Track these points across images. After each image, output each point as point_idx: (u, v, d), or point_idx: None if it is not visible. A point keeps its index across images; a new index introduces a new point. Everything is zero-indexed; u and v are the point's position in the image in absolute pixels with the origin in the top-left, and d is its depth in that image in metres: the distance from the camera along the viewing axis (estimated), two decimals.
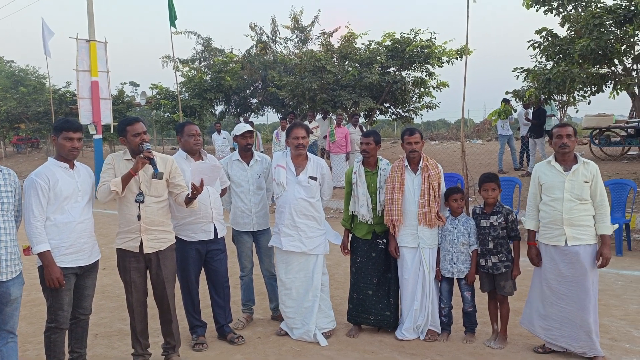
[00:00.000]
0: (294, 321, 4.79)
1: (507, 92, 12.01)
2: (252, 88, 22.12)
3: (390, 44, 16.23)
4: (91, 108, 14.91)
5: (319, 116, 16.16)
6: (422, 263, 4.64)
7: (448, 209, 4.73)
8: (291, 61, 19.00)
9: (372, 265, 4.83)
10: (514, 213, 4.54)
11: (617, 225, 7.11)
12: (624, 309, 5.26)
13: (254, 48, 23.05)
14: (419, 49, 15.55)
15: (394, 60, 16.09)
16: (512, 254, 4.49)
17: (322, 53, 17.19)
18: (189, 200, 4.09)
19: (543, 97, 10.66)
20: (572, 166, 4.11)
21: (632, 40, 9.02)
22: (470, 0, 7.97)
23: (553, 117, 13.33)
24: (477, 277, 4.59)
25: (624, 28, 8.89)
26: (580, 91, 10.42)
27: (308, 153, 4.89)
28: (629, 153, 14.25)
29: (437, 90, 17.01)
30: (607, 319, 4.93)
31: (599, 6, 9.41)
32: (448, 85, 16.74)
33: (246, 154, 5.07)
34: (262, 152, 5.28)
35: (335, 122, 14.22)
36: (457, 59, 15.62)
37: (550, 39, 10.19)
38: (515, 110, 13.35)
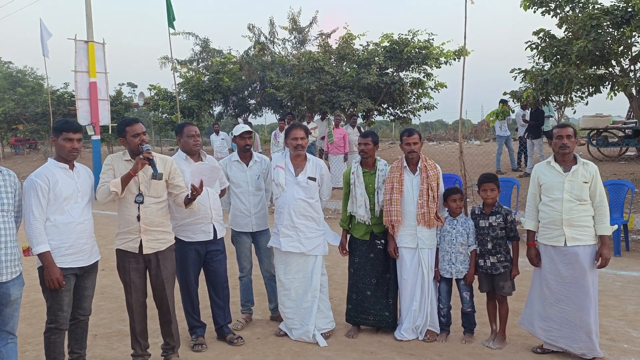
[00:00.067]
0: (293, 322, 4.79)
1: (504, 93, 12.02)
2: (250, 89, 22.14)
3: (388, 45, 16.25)
4: (89, 109, 14.89)
5: (317, 117, 16.18)
6: (421, 263, 4.65)
7: (447, 209, 4.74)
8: (289, 62, 19.02)
9: (370, 265, 4.84)
10: (512, 213, 4.56)
11: (616, 226, 7.13)
12: (622, 310, 5.27)
13: (252, 49, 23.08)
14: (416, 50, 15.57)
15: (392, 61, 16.11)
16: (511, 254, 4.51)
17: (320, 54, 17.20)
18: (189, 201, 4.10)
19: (541, 98, 10.67)
20: (572, 167, 4.12)
21: (629, 41, 9.03)
22: (468, 1, 7.99)
23: (550, 118, 13.36)
24: (475, 277, 4.60)
25: (621, 29, 8.91)
26: (578, 92, 10.42)
27: (307, 154, 4.90)
28: (626, 154, 14.29)
29: (435, 91, 17.06)
30: (606, 319, 4.95)
31: (596, 7, 9.42)
32: (446, 86, 16.77)
33: (245, 155, 5.08)
34: (260, 153, 5.28)
35: (333, 123, 14.23)
36: (454, 60, 15.64)
37: (547, 40, 10.20)
38: (513, 111, 13.37)
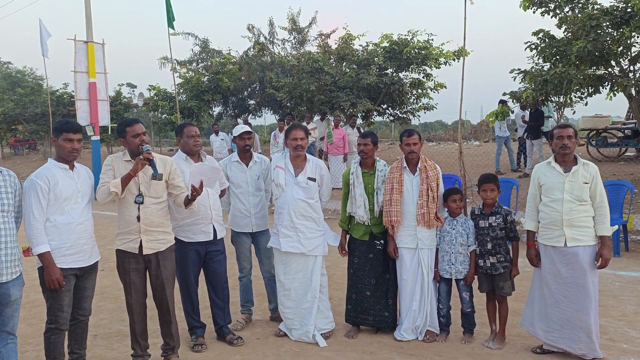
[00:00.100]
0: (293, 322, 4.80)
1: (504, 94, 12.04)
2: (249, 89, 22.13)
3: (387, 45, 16.25)
4: (89, 109, 14.89)
5: (316, 117, 16.19)
6: (420, 264, 4.65)
7: (446, 209, 4.75)
8: (289, 62, 19.02)
9: (369, 266, 4.84)
10: (512, 214, 4.56)
11: (617, 227, 7.15)
12: (621, 310, 5.28)
13: (252, 49, 23.07)
14: (416, 51, 15.58)
15: (392, 62, 16.12)
16: (511, 255, 4.51)
17: (319, 54, 17.20)
18: (189, 201, 4.11)
19: (540, 98, 10.68)
20: (572, 167, 4.12)
21: (628, 41, 9.05)
22: (467, 1, 8.01)
23: (550, 119, 13.37)
24: (475, 277, 4.61)
25: (621, 30, 8.93)
26: (577, 92, 10.45)
27: (307, 154, 4.90)
28: (625, 154, 14.30)
29: (434, 92, 17.08)
30: (605, 319, 4.95)
31: (595, 8, 9.44)
32: (445, 87, 16.79)
33: (245, 156, 5.08)
34: (260, 153, 5.28)
35: (332, 123, 14.23)
36: (454, 60, 15.65)
37: (547, 40, 10.22)
38: (512, 112, 13.39)
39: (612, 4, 9.28)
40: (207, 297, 4.81)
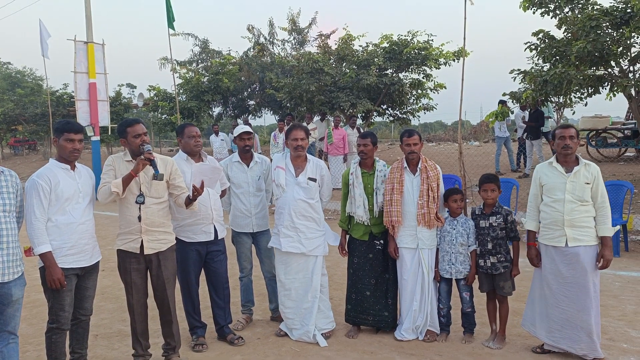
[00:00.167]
0: (294, 322, 4.80)
1: (504, 94, 12.06)
2: (249, 90, 22.15)
3: (387, 45, 16.26)
4: (89, 110, 14.88)
5: (316, 118, 16.19)
6: (421, 264, 4.66)
7: (447, 210, 4.75)
8: (289, 63, 19.03)
9: (369, 266, 4.85)
10: (512, 214, 4.57)
11: (618, 227, 7.16)
12: (621, 310, 5.29)
13: (252, 50, 23.08)
14: (416, 51, 15.58)
15: (392, 62, 16.12)
16: (511, 255, 4.52)
17: (319, 55, 17.21)
18: (190, 201, 4.11)
19: (540, 98, 10.69)
20: (574, 167, 4.12)
21: (628, 42, 9.06)
22: (467, 2, 8.02)
23: (549, 119, 13.38)
24: (476, 277, 4.62)
25: (621, 30, 8.94)
26: (577, 93, 10.46)
27: (308, 154, 4.91)
28: (625, 154, 14.31)
29: (434, 92, 17.08)
30: (605, 319, 4.95)
31: (595, 8, 9.45)
32: (445, 87, 16.79)
33: (246, 156, 5.08)
34: (260, 153, 5.29)
35: (332, 124, 14.23)
36: (454, 60, 15.66)
37: (547, 41, 10.23)
38: (512, 112, 13.40)
39: (612, 4, 9.30)
40: (208, 297, 4.82)
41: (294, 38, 23.31)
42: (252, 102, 22.70)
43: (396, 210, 4.61)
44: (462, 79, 8.18)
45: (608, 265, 4.07)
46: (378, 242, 4.85)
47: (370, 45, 16.85)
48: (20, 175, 3.68)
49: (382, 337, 4.80)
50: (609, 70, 9.83)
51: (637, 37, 9.20)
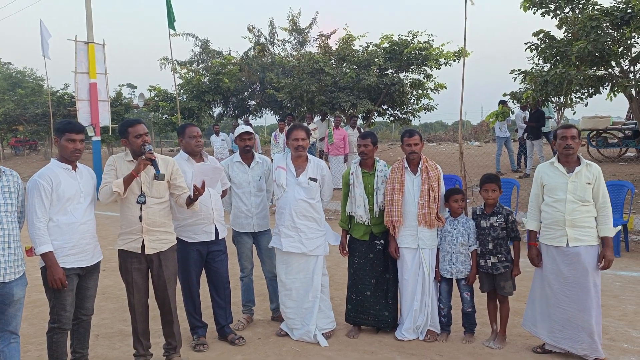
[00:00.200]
0: (294, 322, 4.81)
1: (504, 94, 12.04)
2: (250, 90, 22.16)
3: (388, 46, 16.27)
4: (89, 110, 14.92)
5: (317, 118, 16.20)
6: (421, 264, 4.67)
7: (447, 210, 4.76)
8: (289, 63, 19.04)
9: (370, 266, 4.85)
10: (513, 214, 4.57)
11: (619, 227, 7.17)
12: (621, 310, 5.29)
13: (252, 50, 23.10)
14: (416, 51, 15.58)
15: (392, 62, 16.13)
16: (512, 255, 4.52)
17: (320, 55, 17.22)
18: (191, 201, 4.12)
19: (541, 99, 10.69)
20: (575, 168, 4.12)
21: (629, 42, 9.05)
22: (468, 2, 8.02)
23: (550, 119, 13.37)
24: (476, 277, 4.62)
25: (621, 30, 8.93)
26: (578, 93, 10.45)
27: (308, 154, 4.92)
28: (626, 155, 14.31)
29: (434, 92, 17.09)
30: (606, 319, 4.95)
31: (596, 8, 9.45)
32: (446, 87, 16.79)
33: (247, 156, 5.09)
34: (260, 154, 5.30)
35: (333, 124, 14.24)
36: (454, 61, 15.66)
37: (547, 41, 10.23)
38: (512, 112, 13.40)
39: (612, 4, 9.30)
40: (209, 297, 4.82)
41: (295, 38, 23.33)
42: (252, 103, 22.71)
43: (397, 210, 4.62)
44: (463, 79, 8.19)
45: (610, 266, 4.08)
46: (378, 242, 4.85)
47: (371, 46, 16.86)
48: (21, 176, 3.68)
49: (382, 337, 4.81)
50: (610, 70, 9.82)
51: (638, 37, 9.18)
